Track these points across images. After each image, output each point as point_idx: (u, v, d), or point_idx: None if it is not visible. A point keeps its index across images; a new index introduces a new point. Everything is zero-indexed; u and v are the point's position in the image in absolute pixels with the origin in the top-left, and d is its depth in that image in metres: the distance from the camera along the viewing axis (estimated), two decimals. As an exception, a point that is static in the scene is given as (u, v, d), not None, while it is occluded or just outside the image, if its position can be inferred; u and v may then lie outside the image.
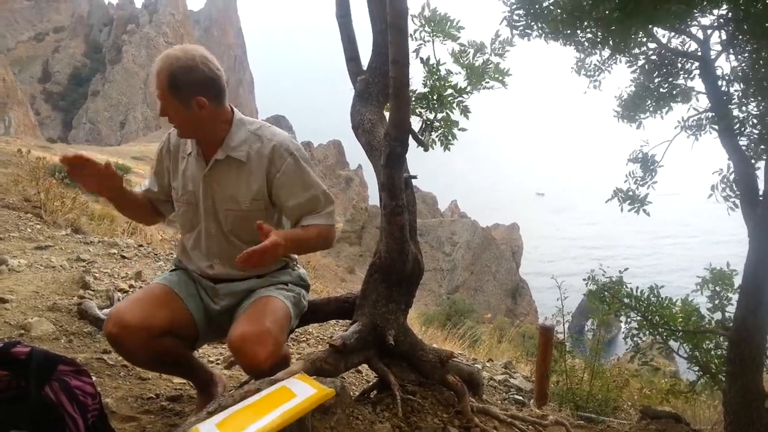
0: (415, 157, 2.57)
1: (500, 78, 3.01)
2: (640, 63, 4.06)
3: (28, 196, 8.30)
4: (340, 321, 4.29)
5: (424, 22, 2.94)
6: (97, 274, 4.71)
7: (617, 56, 4.02)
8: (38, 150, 23.47)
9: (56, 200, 8.04)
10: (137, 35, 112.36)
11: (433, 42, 3.02)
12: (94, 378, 1.99)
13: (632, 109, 4.15)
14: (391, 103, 2.23)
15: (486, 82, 3.04)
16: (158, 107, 2.22)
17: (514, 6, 3.44)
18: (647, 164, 4.22)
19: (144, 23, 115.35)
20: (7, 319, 3.45)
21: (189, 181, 2.37)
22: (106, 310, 3.54)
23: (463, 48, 3.02)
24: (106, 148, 65.20)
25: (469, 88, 3.09)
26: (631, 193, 4.19)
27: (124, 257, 5.69)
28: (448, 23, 2.95)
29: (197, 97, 2.14)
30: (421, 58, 3.04)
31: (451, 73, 3.09)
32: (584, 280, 3.87)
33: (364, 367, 3.59)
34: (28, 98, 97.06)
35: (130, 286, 4.59)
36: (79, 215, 8.28)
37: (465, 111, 3.15)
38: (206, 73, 2.15)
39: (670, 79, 4.04)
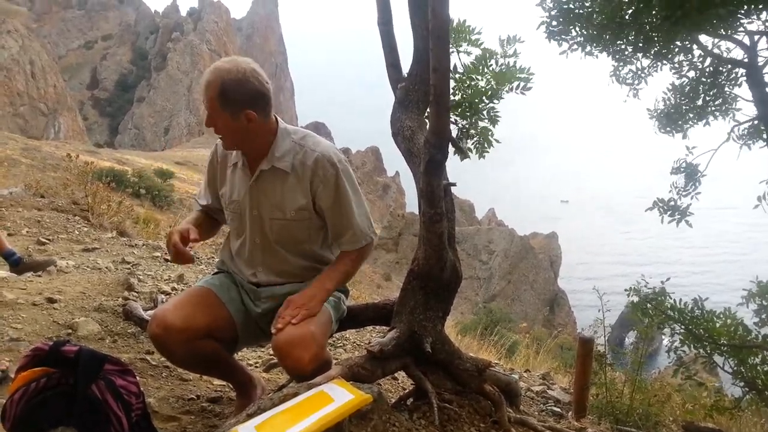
0: (452, 165, 2.56)
1: (524, 77, 2.99)
2: (684, 71, 3.98)
3: (76, 200, 8.57)
4: (377, 327, 4.30)
5: None
6: (141, 277, 4.84)
7: (658, 64, 3.94)
8: (86, 155, 24.18)
9: (103, 204, 8.28)
10: (181, 43, 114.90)
11: (457, 53, 3.03)
12: (137, 378, 2.04)
13: (674, 119, 4.05)
14: (432, 110, 2.24)
15: (511, 84, 3.03)
16: (205, 117, 2.26)
17: (553, 13, 3.41)
18: (691, 174, 4.12)
19: (188, 31, 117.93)
20: (56, 318, 3.56)
21: (235, 191, 2.42)
22: (150, 312, 3.63)
23: (483, 54, 3.02)
24: (150, 153, 66.82)
25: (499, 92, 3.08)
26: (672, 203, 4.09)
27: (167, 260, 5.81)
28: (466, 32, 2.97)
29: (246, 111, 2.18)
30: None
31: (478, 78, 3.09)
32: (626, 290, 3.79)
33: (400, 374, 3.58)
34: (77, 104, 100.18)
35: (173, 288, 4.69)
36: (124, 219, 8.50)
37: (494, 119, 3.15)
38: (256, 86, 2.19)
39: (715, 88, 3.94)
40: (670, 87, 4.05)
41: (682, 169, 4.12)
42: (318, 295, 2.30)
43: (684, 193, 4.08)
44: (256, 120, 2.22)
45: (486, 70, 3.03)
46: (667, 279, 3.93)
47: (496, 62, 3.01)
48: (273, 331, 2.16)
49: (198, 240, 2.34)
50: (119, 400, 1.87)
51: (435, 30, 2.04)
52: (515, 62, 3.00)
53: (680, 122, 4.05)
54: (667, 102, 4.08)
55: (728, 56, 3.77)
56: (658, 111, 4.12)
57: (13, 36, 76.03)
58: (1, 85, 73.98)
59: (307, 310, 2.21)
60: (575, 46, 3.53)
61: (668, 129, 4.09)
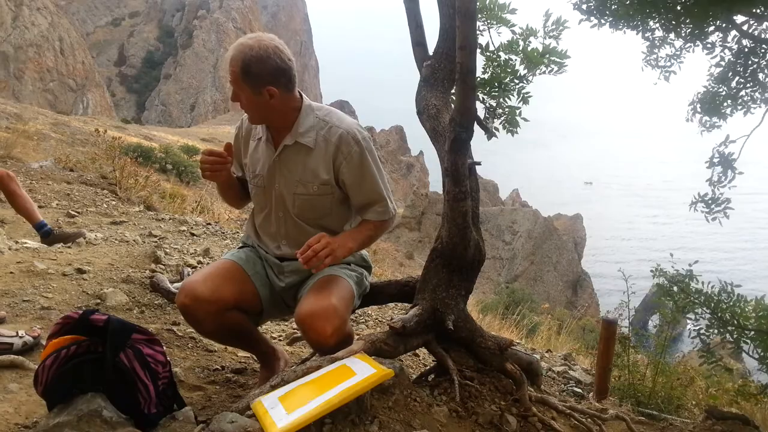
0: (476, 145, 2.55)
1: (558, 60, 2.94)
2: (716, 51, 3.86)
3: (104, 174, 8.72)
4: (399, 304, 4.33)
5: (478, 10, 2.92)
6: (167, 250, 4.91)
7: (691, 45, 3.83)
8: (113, 130, 24.48)
9: (130, 178, 8.41)
10: (207, 20, 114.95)
11: (489, 30, 2.99)
12: (164, 348, 2.09)
13: (711, 106, 3.92)
14: (457, 88, 2.22)
15: (545, 66, 2.97)
16: (230, 92, 2.29)
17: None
18: (727, 164, 4.02)
19: (214, 9, 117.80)
20: (85, 288, 3.65)
21: (259, 165, 2.45)
22: (177, 284, 3.69)
23: (514, 38, 2.97)
24: (177, 129, 67.31)
25: (528, 75, 3.04)
26: (708, 197, 3.99)
27: (193, 234, 5.90)
28: (499, 8, 2.92)
29: (268, 87, 2.20)
30: (480, 45, 3.01)
31: (511, 59, 3.05)
32: (651, 271, 3.74)
33: (421, 351, 3.61)
34: (105, 80, 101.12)
35: (199, 262, 4.76)
36: (152, 193, 8.62)
37: (525, 98, 3.11)
38: (278, 63, 2.20)
39: (750, 69, 3.82)
40: (709, 76, 3.94)
41: (716, 161, 4.01)
42: (344, 246, 2.29)
43: (720, 186, 3.98)
44: (278, 96, 2.24)
45: (520, 49, 2.98)
46: (695, 262, 3.86)
47: (530, 42, 2.97)
48: (297, 256, 2.14)
49: (228, 156, 2.35)
50: (146, 369, 1.92)
51: (462, 7, 2.02)
52: (553, 45, 2.95)
53: (717, 112, 3.93)
54: (706, 91, 3.97)
55: (766, 37, 3.65)
56: (696, 103, 4.01)
57: (43, 13, 76.77)
58: (32, 61, 74.91)
59: (332, 253, 2.18)
60: (608, 26, 3.45)
61: (705, 121, 3.98)
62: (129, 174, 8.60)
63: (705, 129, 4.04)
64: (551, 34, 2.98)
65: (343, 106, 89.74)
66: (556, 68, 2.97)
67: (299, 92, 2.37)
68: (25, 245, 4.43)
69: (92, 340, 1.88)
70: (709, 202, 3.97)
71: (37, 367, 1.88)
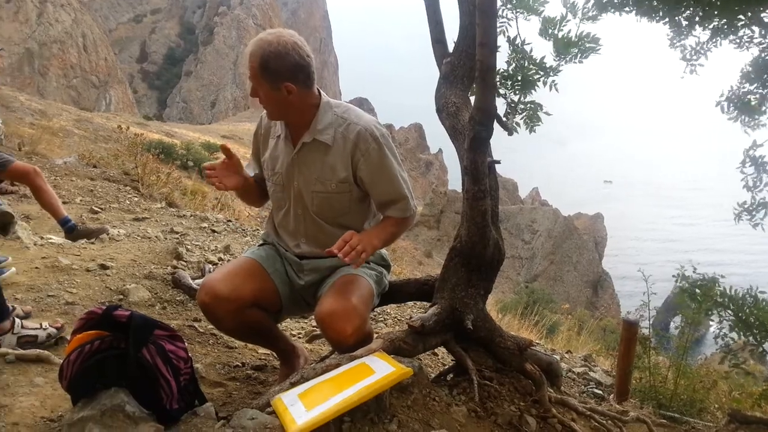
0: (495, 141, 2.53)
1: (593, 46, 2.90)
2: (745, 47, 3.77)
3: (126, 170, 8.82)
4: (418, 303, 4.33)
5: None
6: (189, 246, 4.96)
7: (718, 39, 3.75)
8: (135, 127, 24.70)
9: (152, 175, 8.50)
10: (228, 17, 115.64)
11: (516, 20, 2.96)
12: (185, 344, 2.11)
13: (745, 106, 3.84)
14: (477, 86, 2.21)
15: (576, 54, 2.94)
16: (249, 88, 2.30)
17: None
18: (760, 167, 3.95)
19: (235, 5, 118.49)
20: (108, 284, 3.69)
21: (278, 163, 2.46)
22: (198, 281, 3.72)
23: (550, 18, 2.93)
24: (197, 126, 67.81)
25: (555, 64, 3.01)
26: (748, 204, 3.91)
27: (214, 231, 5.95)
28: None
29: (286, 83, 2.20)
30: (508, 37, 2.99)
31: (535, 53, 3.02)
32: (674, 276, 3.69)
33: (439, 350, 3.61)
34: (127, 77, 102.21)
35: (219, 259, 4.80)
36: (173, 190, 8.70)
37: (554, 87, 3.07)
38: (296, 59, 2.19)
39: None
40: (741, 76, 3.86)
41: (748, 164, 3.93)
42: (370, 244, 2.26)
43: (757, 190, 3.91)
44: (296, 92, 2.24)
45: (555, 31, 2.94)
46: (722, 276, 3.78)
47: (566, 25, 2.94)
48: (335, 252, 2.10)
49: (228, 157, 2.41)
50: (168, 365, 1.93)
51: (482, 4, 2.00)
52: (587, 30, 2.91)
53: (749, 114, 3.85)
54: (733, 89, 3.89)
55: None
56: (727, 99, 3.92)
57: (66, 10, 77.80)
58: (56, 58, 75.97)
59: (363, 249, 2.15)
60: (632, 13, 3.39)
61: (743, 109, 3.90)
62: (151, 171, 8.69)
63: (747, 126, 3.95)
64: (588, 14, 2.95)
65: (362, 103, 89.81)
66: (590, 51, 2.93)
67: (318, 89, 2.37)
68: (49, 241, 4.49)
69: (115, 336, 1.90)
70: (751, 209, 3.90)
71: (61, 361, 1.91)
